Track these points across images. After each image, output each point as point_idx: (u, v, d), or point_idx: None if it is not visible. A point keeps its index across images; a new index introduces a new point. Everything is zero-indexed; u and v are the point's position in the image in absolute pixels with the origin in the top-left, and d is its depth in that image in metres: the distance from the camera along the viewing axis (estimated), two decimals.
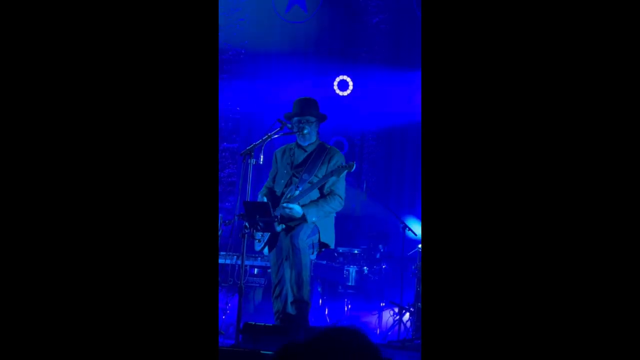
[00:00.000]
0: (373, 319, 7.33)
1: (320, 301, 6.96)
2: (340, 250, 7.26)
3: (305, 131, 4.84)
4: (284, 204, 4.62)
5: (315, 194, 4.78)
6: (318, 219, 4.71)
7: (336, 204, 4.77)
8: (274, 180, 4.98)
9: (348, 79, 8.49)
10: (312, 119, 4.87)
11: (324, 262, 6.98)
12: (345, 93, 8.48)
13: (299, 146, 4.93)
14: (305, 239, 4.65)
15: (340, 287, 7.41)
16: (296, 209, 4.62)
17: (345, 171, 4.62)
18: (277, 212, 4.68)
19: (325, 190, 4.79)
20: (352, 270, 7.46)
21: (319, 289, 6.99)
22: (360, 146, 8.53)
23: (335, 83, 8.49)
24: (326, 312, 6.92)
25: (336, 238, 4.97)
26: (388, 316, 7.34)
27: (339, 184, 4.80)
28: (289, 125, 4.79)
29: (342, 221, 6.29)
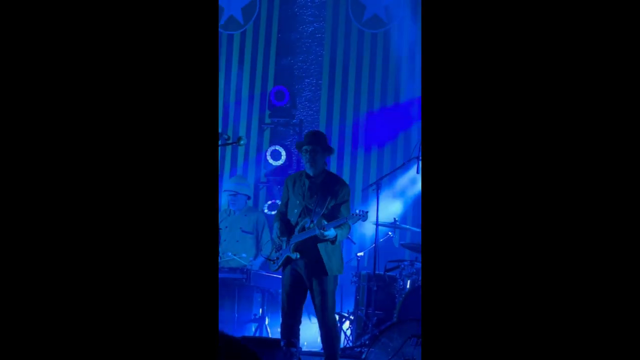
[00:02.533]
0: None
1: (261, 311, 6.95)
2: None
3: (311, 159, 5.18)
4: (321, 232, 4.96)
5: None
6: (340, 240, 5.19)
7: (347, 231, 5.24)
8: (286, 206, 5.35)
9: (284, 90, 8.50)
10: (319, 149, 5.21)
11: (264, 272, 6.97)
12: (282, 103, 8.49)
13: (307, 176, 5.24)
14: (332, 285, 5.22)
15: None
16: (330, 234, 4.99)
17: (359, 219, 5.07)
18: (294, 240, 5.14)
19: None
20: None
21: (259, 299, 6.98)
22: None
23: (272, 93, 8.49)
24: (266, 323, 6.91)
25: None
26: None
27: (346, 214, 5.22)
28: (226, 136, 4.92)
29: None
